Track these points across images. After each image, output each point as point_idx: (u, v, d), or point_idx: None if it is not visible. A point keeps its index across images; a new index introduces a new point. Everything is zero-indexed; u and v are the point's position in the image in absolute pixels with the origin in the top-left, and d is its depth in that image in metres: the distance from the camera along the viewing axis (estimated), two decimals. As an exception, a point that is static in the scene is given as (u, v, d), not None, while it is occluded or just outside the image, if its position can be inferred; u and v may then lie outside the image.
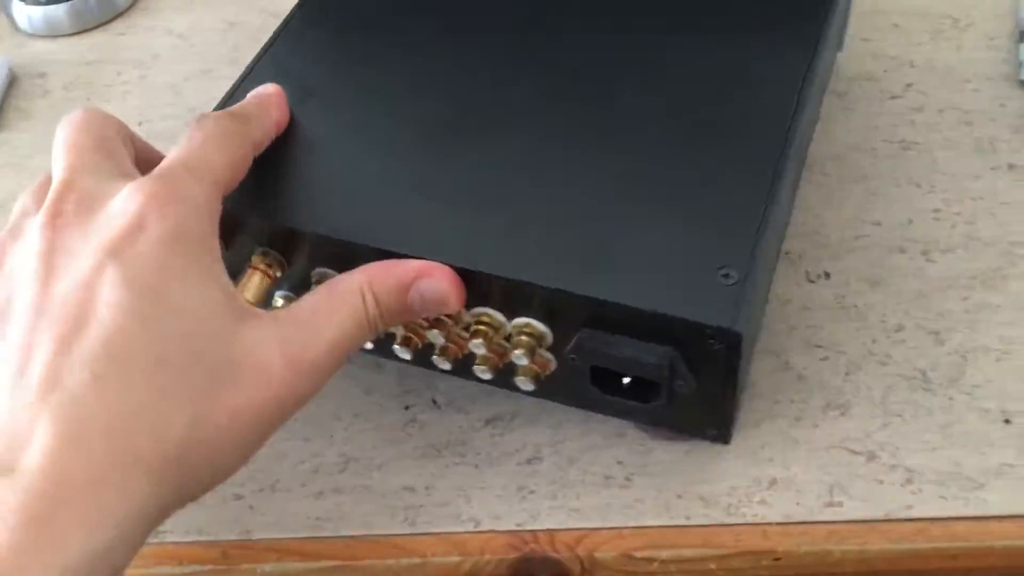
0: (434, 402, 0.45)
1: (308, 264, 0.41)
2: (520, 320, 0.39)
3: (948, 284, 0.47)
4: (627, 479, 0.42)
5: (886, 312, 0.45)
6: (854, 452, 0.42)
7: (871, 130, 0.53)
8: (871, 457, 0.42)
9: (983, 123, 0.53)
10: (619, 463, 0.42)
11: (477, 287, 0.39)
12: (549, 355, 0.40)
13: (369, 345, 0.43)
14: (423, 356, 0.42)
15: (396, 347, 0.42)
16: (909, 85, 0.56)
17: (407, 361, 0.43)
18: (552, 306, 0.38)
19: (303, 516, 0.42)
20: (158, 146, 0.41)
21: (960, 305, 0.46)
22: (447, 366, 0.42)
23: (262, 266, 0.41)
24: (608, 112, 0.43)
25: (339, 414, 0.45)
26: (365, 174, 0.41)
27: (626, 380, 0.39)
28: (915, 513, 0.40)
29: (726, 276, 0.36)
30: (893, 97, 0.55)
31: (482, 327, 0.40)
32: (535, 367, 0.41)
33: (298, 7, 0.49)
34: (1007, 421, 0.42)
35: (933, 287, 0.46)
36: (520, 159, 0.41)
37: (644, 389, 0.39)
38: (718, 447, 0.42)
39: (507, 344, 0.40)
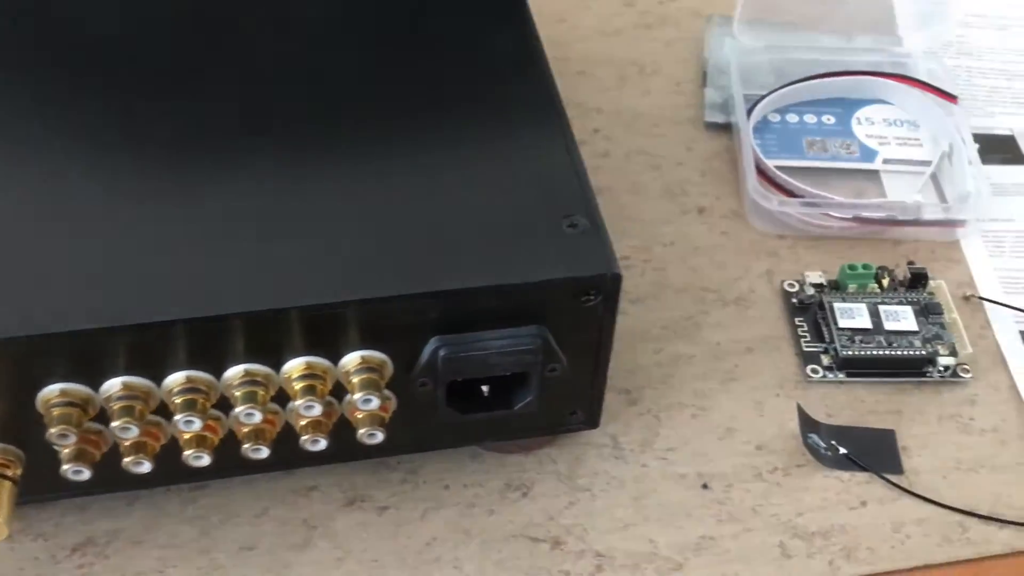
0: None
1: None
2: (351, 357, 0.31)
3: (639, 337, 0.42)
4: (256, 604, 0.33)
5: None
6: (535, 540, 0.35)
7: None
8: (556, 544, 0.35)
9: (671, 167, 0.50)
10: (247, 584, 0.33)
11: (275, 334, 0.30)
12: (387, 394, 0.32)
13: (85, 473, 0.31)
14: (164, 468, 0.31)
15: (127, 460, 0.30)
16: (596, 131, 0.52)
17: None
18: (386, 323, 0.30)
19: None
20: None
21: (652, 359, 0.41)
22: (205, 461, 0.31)
23: None
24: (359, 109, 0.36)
25: None
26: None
27: (485, 388, 0.33)
28: (607, 607, 0.33)
29: (573, 226, 0.32)
30: (580, 143, 0.51)
31: (308, 381, 0.30)
32: (383, 410, 0.32)
33: None
34: (705, 486, 0.37)
35: (624, 343, 0.41)
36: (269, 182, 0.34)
37: (503, 393, 0.33)
38: (368, 556, 0.34)
39: (334, 401, 0.32)
